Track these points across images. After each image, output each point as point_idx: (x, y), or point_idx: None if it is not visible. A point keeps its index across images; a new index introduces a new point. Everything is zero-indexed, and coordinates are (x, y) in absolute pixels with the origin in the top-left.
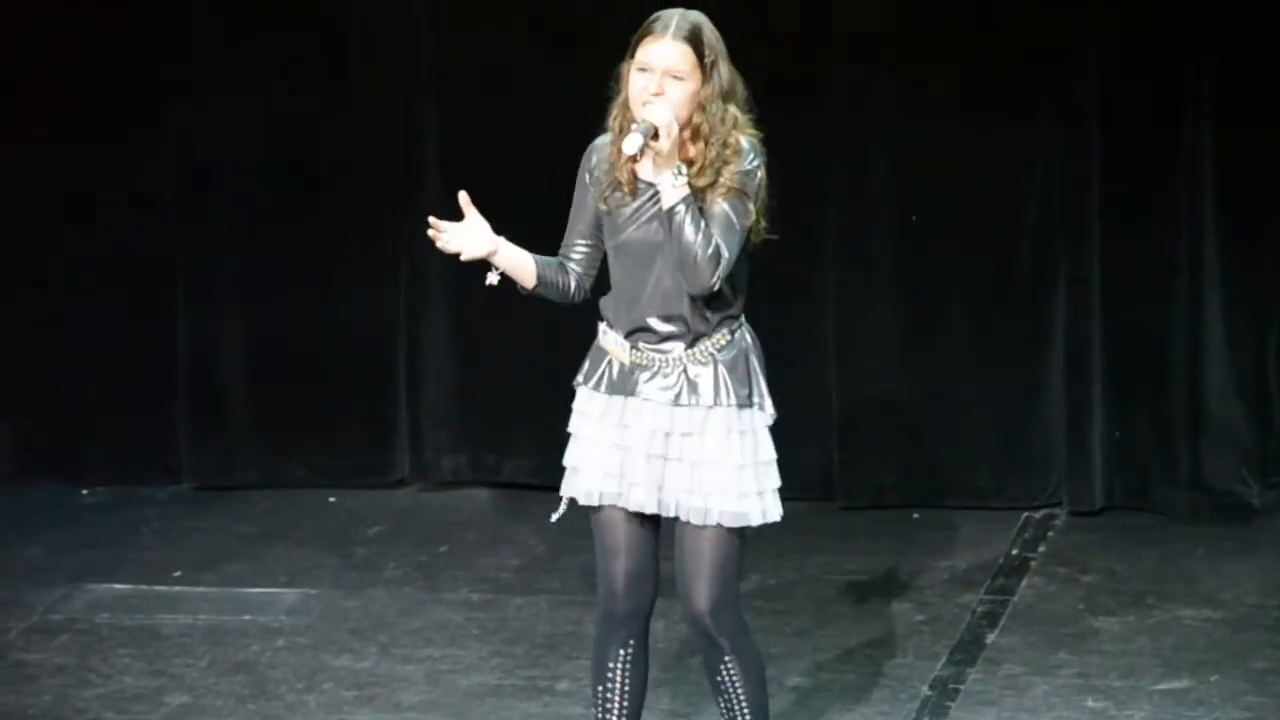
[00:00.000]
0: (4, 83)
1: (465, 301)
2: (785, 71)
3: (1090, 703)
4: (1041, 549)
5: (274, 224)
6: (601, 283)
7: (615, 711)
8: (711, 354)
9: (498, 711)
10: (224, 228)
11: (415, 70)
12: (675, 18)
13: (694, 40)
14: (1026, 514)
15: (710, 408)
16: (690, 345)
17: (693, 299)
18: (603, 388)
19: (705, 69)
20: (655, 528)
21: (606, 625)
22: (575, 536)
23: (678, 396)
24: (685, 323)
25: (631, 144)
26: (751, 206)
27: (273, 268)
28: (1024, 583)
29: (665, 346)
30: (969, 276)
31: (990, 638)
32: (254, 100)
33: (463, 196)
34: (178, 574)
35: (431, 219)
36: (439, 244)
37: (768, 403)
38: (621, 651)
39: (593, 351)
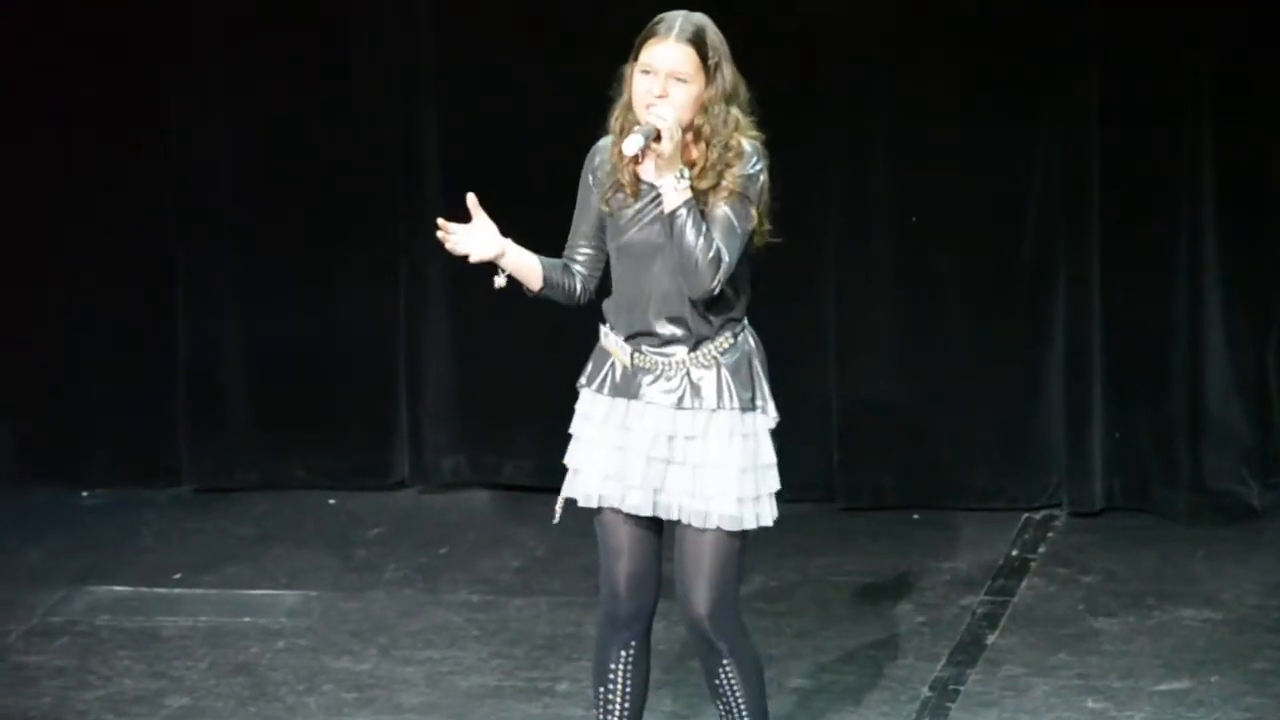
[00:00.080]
0: (4, 83)
1: (465, 302)
2: (785, 71)
3: (1090, 704)
4: (1041, 550)
5: (274, 224)
6: (606, 284)
7: (616, 713)
8: (715, 357)
9: (498, 713)
10: (224, 228)
11: (415, 70)
12: (679, 19)
13: (698, 42)
14: (1026, 515)
15: (713, 411)
16: (693, 348)
17: (694, 302)
18: (606, 390)
19: (709, 71)
20: (658, 530)
21: (608, 627)
22: (575, 537)
23: (681, 399)
24: (687, 325)
25: (632, 145)
26: (753, 210)
27: (273, 268)
28: (1024, 584)
29: (668, 350)
30: (969, 277)
31: (990, 639)
32: (254, 100)
33: (471, 199)
34: (178, 576)
35: (440, 221)
36: (447, 246)
37: (770, 406)
38: (623, 653)
39: (596, 353)
